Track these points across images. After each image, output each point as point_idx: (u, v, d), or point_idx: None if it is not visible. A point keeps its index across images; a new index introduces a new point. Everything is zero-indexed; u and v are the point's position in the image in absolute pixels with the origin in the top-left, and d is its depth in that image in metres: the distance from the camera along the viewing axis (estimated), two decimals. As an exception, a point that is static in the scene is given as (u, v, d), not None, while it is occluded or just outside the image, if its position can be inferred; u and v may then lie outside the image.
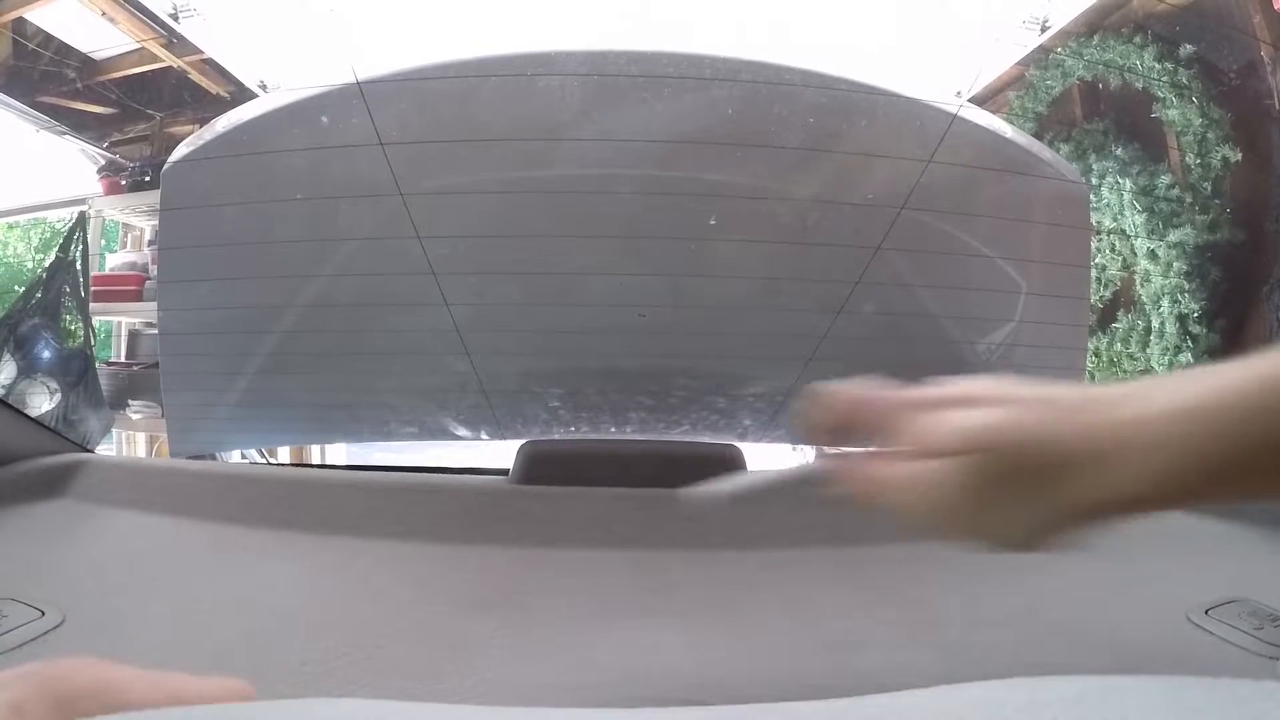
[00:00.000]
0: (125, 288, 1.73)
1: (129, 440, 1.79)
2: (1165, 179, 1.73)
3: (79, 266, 1.65)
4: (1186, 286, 1.71)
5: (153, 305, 0.89)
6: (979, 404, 0.32)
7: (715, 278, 0.65)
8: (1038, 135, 1.81)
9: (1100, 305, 1.89)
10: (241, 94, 1.71)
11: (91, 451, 0.66)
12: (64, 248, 1.68)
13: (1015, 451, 0.31)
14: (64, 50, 1.73)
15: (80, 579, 0.45)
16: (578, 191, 0.62)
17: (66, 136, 1.84)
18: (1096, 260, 1.84)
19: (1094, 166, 1.81)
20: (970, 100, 0.69)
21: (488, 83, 0.59)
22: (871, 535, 0.45)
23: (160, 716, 0.26)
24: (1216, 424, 0.26)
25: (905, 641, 0.39)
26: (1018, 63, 1.82)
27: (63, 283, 1.63)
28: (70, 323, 1.63)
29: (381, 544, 0.51)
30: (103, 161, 1.88)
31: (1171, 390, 0.27)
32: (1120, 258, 1.85)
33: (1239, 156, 1.66)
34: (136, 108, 1.86)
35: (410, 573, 0.47)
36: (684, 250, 0.64)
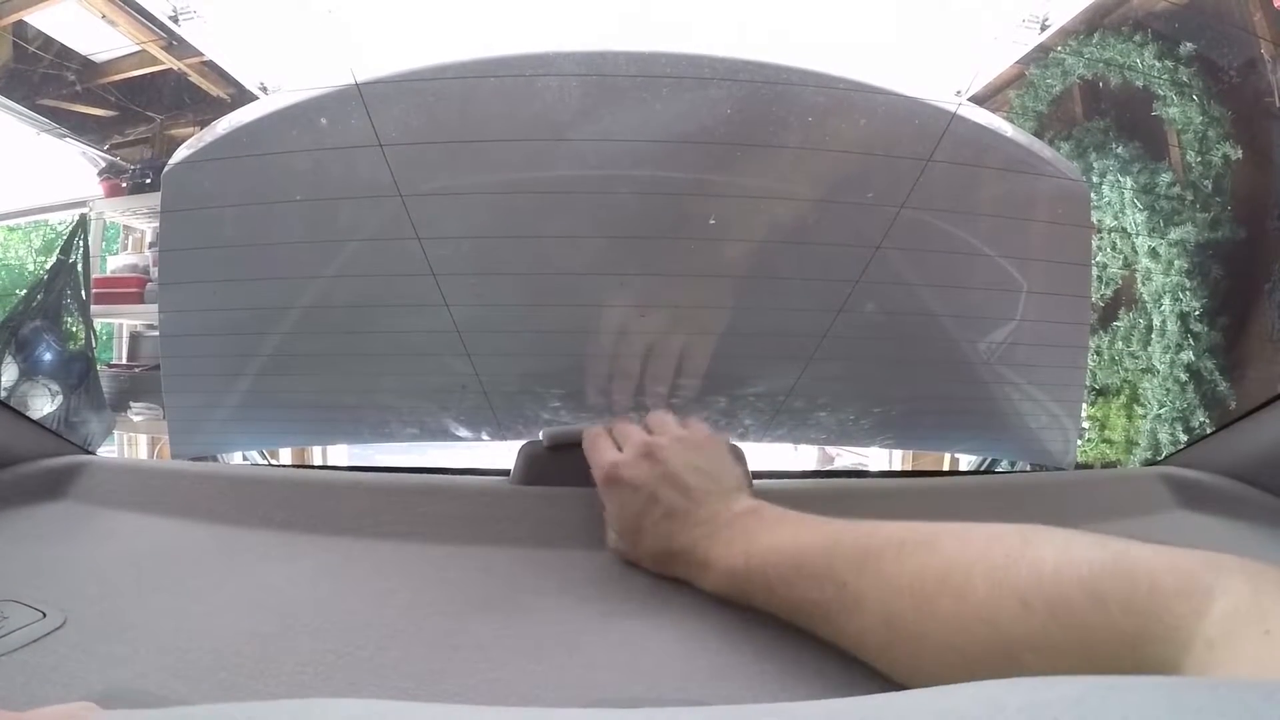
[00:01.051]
0: (126, 290, 1.73)
1: (130, 442, 1.79)
2: (1166, 177, 1.73)
3: (80, 269, 1.65)
4: (1188, 284, 1.71)
5: (154, 307, 0.89)
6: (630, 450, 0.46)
7: (715, 277, 0.65)
8: (1038, 134, 1.81)
9: (1101, 303, 1.89)
10: (241, 96, 1.71)
11: (93, 453, 0.67)
12: (65, 250, 1.68)
13: (629, 495, 0.45)
14: (64, 53, 1.73)
15: (82, 581, 0.45)
16: (577, 192, 0.62)
17: (67, 139, 1.84)
18: (1097, 258, 1.84)
19: (1094, 165, 1.81)
20: (970, 99, 0.69)
21: (486, 83, 0.59)
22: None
23: (160, 716, 0.26)
24: (734, 595, 0.40)
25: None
26: (1017, 61, 1.82)
27: (64, 285, 1.63)
28: (71, 325, 1.64)
29: (382, 545, 0.51)
30: (103, 164, 1.88)
31: (736, 549, 0.40)
32: (1121, 256, 1.85)
33: (1240, 154, 1.65)
34: (137, 110, 1.87)
35: (411, 573, 0.47)
36: (684, 250, 0.64)
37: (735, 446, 0.50)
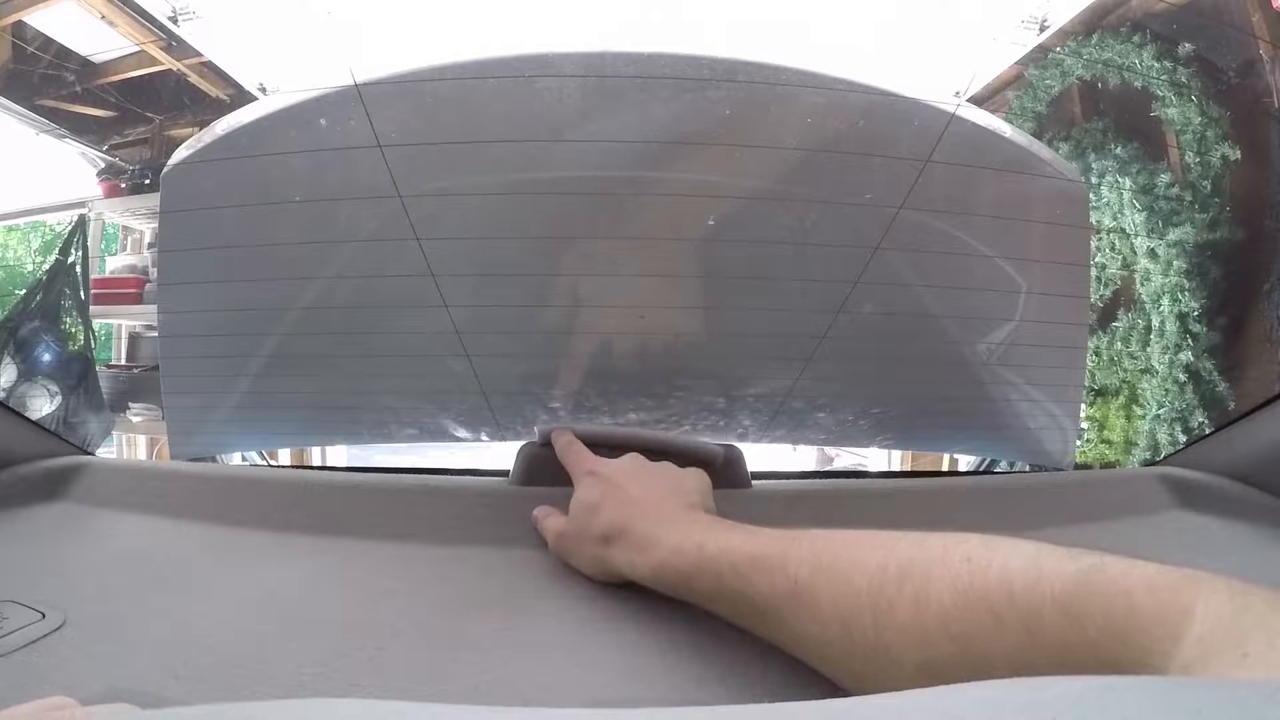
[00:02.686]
0: (125, 290, 1.73)
1: (129, 443, 1.79)
2: (1165, 177, 1.73)
3: (79, 270, 1.65)
4: (1186, 285, 1.71)
5: (153, 308, 0.89)
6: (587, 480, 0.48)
7: (714, 278, 0.65)
8: (1037, 134, 1.81)
9: (1100, 304, 1.89)
10: (241, 96, 1.70)
11: (92, 454, 0.66)
12: (64, 251, 1.68)
13: (580, 529, 0.46)
14: (63, 53, 1.73)
15: (81, 581, 0.45)
16: (576, 193, 0.62)
17: (66, 140, 1.84)
18: (1096, 259, 1.84)
19: (1093, 165, 1.81)
20: (969, 100, 0.69)
21: (485, 84, 0.59)
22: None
23: (161, 716, 0.26)
24: (673, 578, 0.39)
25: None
26: (1016, 62, 1.82)
27: (63, 286, 1.63)
28: (70, 326, 1.64)
29: (381, 545, 0.51)
30: (102, 164, 1.88)
31: (692, 537, 0.39)
32: (1120, 256, 1.85)
33: (1239, 155, 1.66)
34: (136, 110, 1.86)
35: (410, 574, 0.47)
36: (683, 251, 0.64)
37: (708, 483, 0.51)
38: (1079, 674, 0.25)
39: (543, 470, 0.57)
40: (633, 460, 0.49)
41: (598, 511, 0.45)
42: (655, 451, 0.53)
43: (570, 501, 0.48)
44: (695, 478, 0.49)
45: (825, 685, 0.34)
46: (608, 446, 0.53)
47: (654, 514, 0.43)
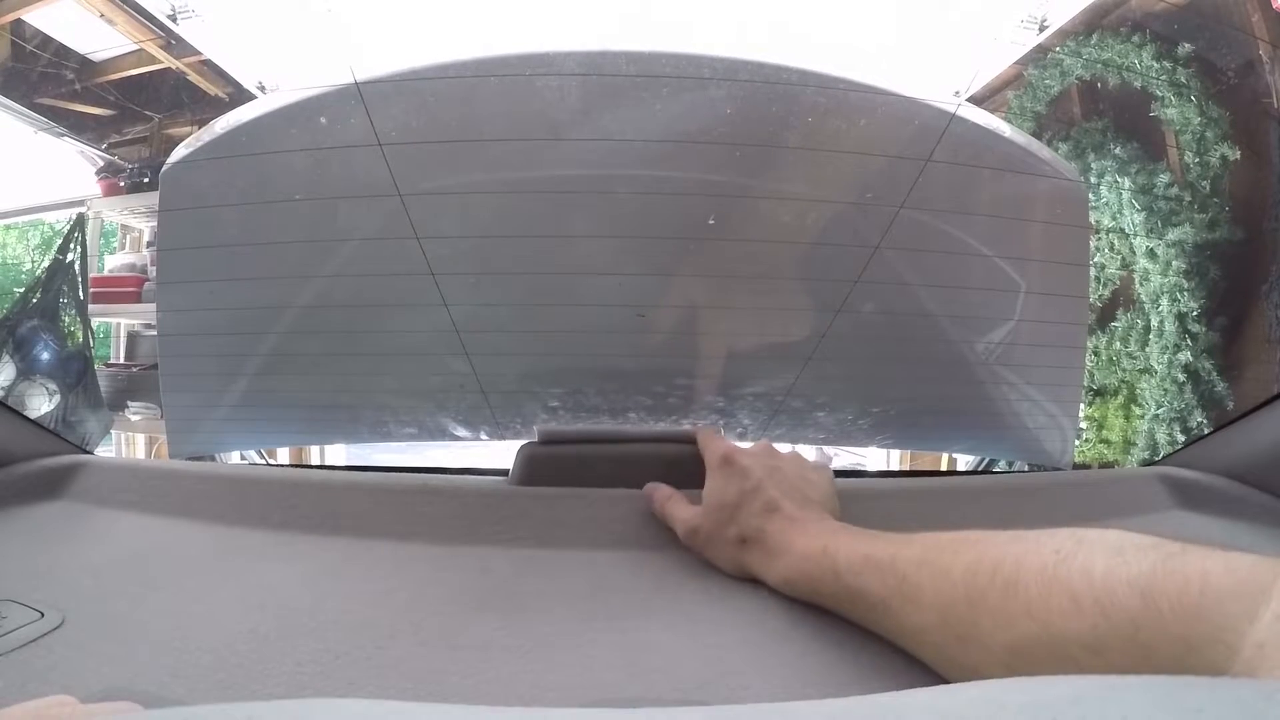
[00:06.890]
0: (124, 289, 1.73)
1: (128, 442, 1.79)
2: (1164, 178, 1.73)
3: (78, 268, 1.65)
4: (1185, 285, 1.71)
5: (151, 306, 0.89)
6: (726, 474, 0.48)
7: (715, 278, 0.65)
8: (1036, 134, 1.81)
9: (1099, 304, 1.89)
10: (240, 95, 1.70)
11: (90, 453, 0.66)
12: (63, 249, 1.68)
13: (717, 521, 0.47)
14: (62, 52, 1.73)
15: (80, 580, 0.45)
16: (576, 191, 0.62)
17: (65, 138, 1.84)
18: (1095, 259, 1.84)
19: (1093, 165, 1.81)
20: (969, 99, 0.69)
21: (486, 83, 0.59)
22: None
23: (161, 716, 0.26)
24: (802, 583, 0.42)
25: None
26: (1016, 62, 1.82)
27: (61, 284, 1.63)
28: (69, 324, 1.64)
29: (381, 544, 0.51)
30: (101, 163, 1.88)
31: (817, 541, 0.42)
32: (1119, 256, 1.85)
33: (1238, 155, 1.66)
34: (135, 109, 1.86)
35: (410, 573, 0.47)
36: (683, 250, 0.64)
37: (832, 478, 0.52)
38: (1156, 652, 0.25)
39: (543, 469, 0.56)
40: (766, 452, 0.51)
41: (736, 513, 0.46)
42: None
43: (705, 491, 0.49)
44: (822, 474, 0.51)
45: (826, 684, 0.34)
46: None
47: (789, 520, 0.45)
